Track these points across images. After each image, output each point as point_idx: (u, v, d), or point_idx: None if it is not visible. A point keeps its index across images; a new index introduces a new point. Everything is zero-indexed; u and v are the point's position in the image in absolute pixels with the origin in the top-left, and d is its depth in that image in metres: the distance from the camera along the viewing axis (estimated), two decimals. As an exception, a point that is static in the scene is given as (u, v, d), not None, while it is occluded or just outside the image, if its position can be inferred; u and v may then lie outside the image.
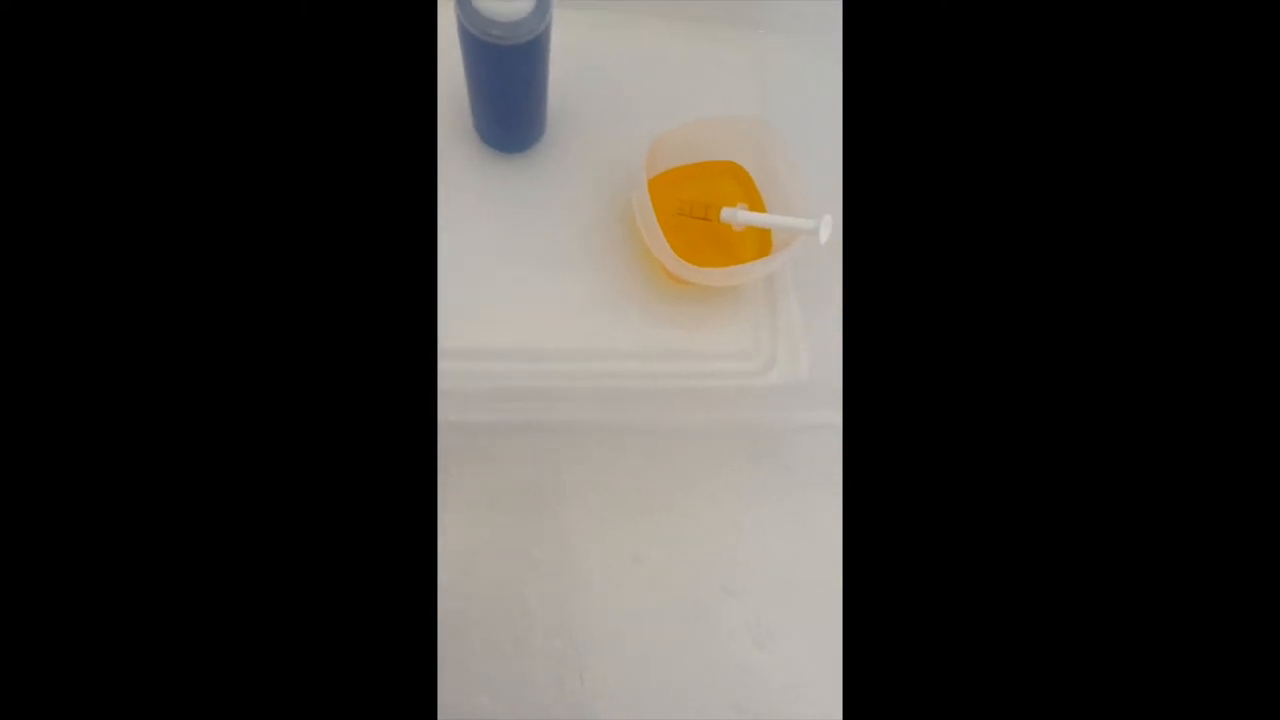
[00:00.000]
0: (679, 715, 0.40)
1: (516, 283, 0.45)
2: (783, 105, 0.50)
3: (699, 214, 0.45)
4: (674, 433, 0.45)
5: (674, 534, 0.43)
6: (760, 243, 0.47)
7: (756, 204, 0.47)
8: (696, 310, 0.46)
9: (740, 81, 0.52)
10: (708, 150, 0.47)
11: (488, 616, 0.39)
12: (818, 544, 0.43)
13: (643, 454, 0.43)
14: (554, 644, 0.39)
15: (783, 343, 0.47)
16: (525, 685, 0.39)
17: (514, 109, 0.42)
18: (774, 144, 0.45)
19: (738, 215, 0.43)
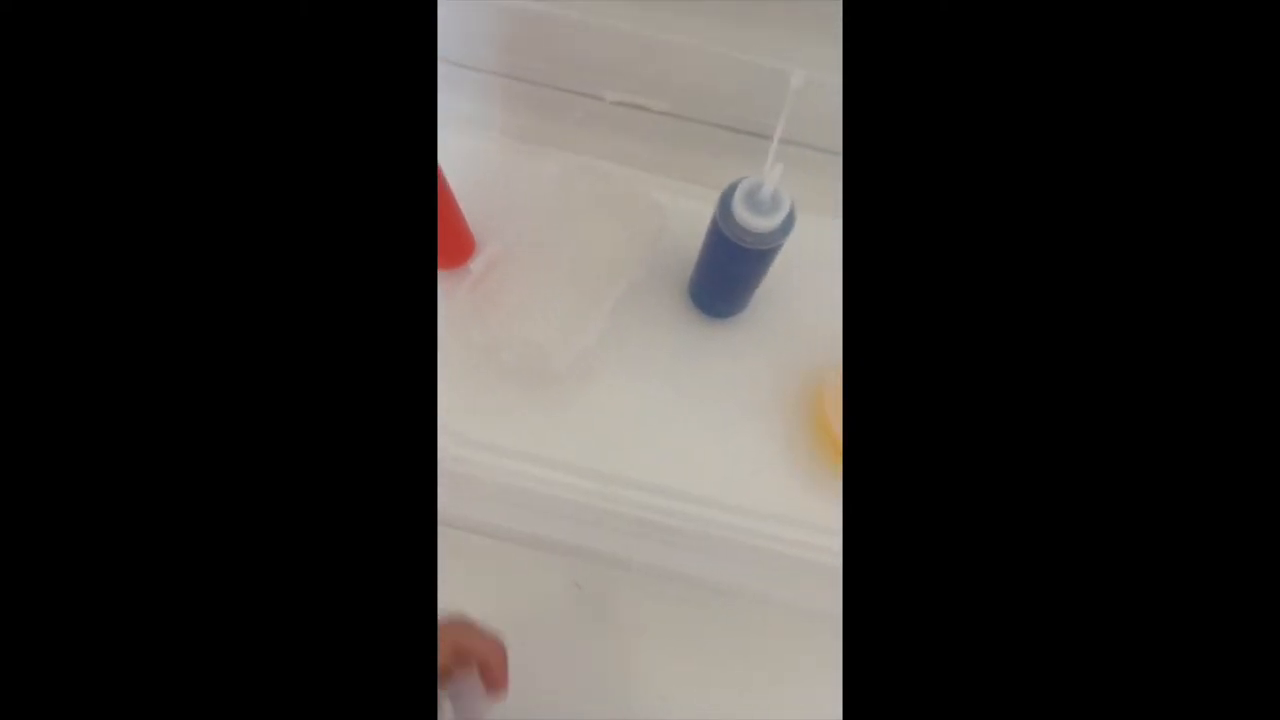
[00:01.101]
0: None
1: (695, 429, 0.51)
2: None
3: (877, 406, 0.50)
4: (806, 603, 0.47)
5: (742, 707, 0.44)
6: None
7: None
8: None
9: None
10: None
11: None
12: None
13: (774, 617, 0.46)
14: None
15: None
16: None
17: (738, 291, 0.50)
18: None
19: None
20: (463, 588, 0.38)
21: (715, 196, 0.43)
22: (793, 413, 0.52)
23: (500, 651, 0.33)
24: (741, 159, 0.54)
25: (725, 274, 0.48)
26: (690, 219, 0.49)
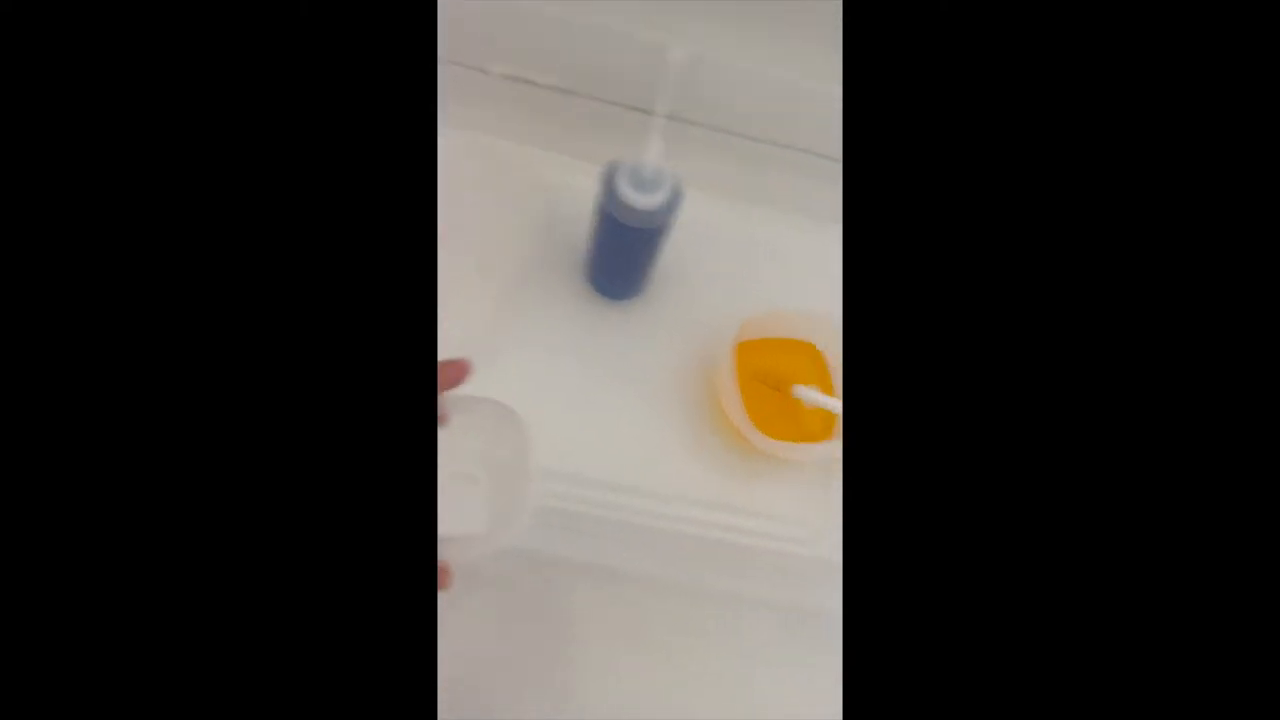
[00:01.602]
0: None
1: (598, 414, 0.50)
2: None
3: (773, 384, 0.50)
4: (708, 583, 0.47)
5: (685, 686, 0.44)
6: (826, 421, 0.51)
7: (827, 386, 0.51)
8: (759, 469, 0.50)
9: (828, 273, 0.57)
10: (792, 329, 0.52)
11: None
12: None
13: (672, 599, 0.46)
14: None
15: (833, 520, 0.50)
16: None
17: (629, 272, 0.48)
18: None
19: (810, 394, 0.47)
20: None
21: (604, 174, 0.42)
22: (693, 395, 0.51)
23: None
24: (632, 136, 0.52)
25: (615, 254, 0.46)
26: (582, 197, 0.48)
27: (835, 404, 0.47)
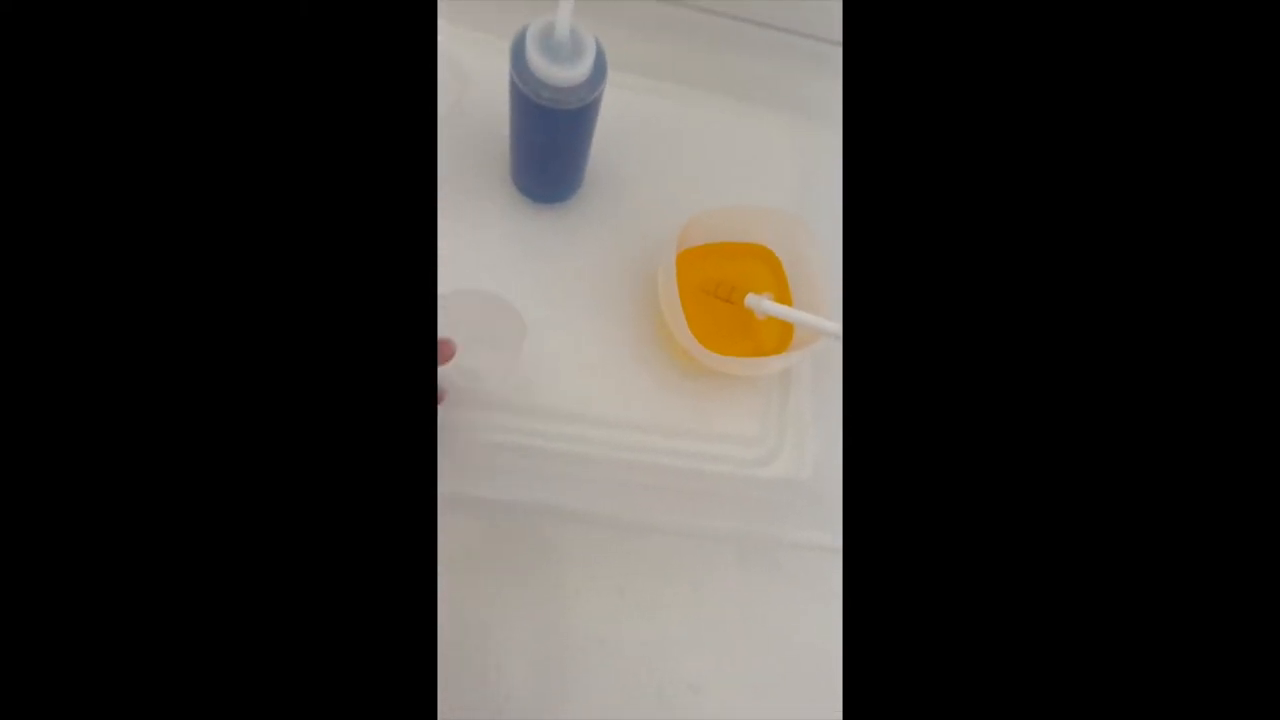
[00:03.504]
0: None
1: (532, 333, 0.44)
2: (823, 199, 0.50)
3: (723, 294, 0.45)
4: (661, 513, 0.43)
5: (645, 620, 0.41)
6: (783, 331, 0.46)
7: (784, 293, 0.46)
8: (708, 388, 0.45)
9: (783, 167, 0.52)
10: (743, 232, 0.46)
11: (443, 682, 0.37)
12: (793, 650, 0.41)
13: (624, 531, 0.42)
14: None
15: (790, 438, 0.46)
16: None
17: (555, 166, 0.42)
18: (808, 239, 0.44)
19: (762, 304, 0.42)
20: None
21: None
22: (636, 309, 0.46)
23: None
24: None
25: (537, 146, 0.40)
26: (498, 81, 0.41)
27: (793, 313, 0.42)
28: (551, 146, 0.39)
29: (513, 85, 0.35)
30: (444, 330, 0.37)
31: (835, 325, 0.38)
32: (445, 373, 0.38)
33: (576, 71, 0.33)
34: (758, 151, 0.51)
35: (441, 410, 0.41)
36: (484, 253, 0.45)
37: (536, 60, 0.33)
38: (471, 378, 0.40)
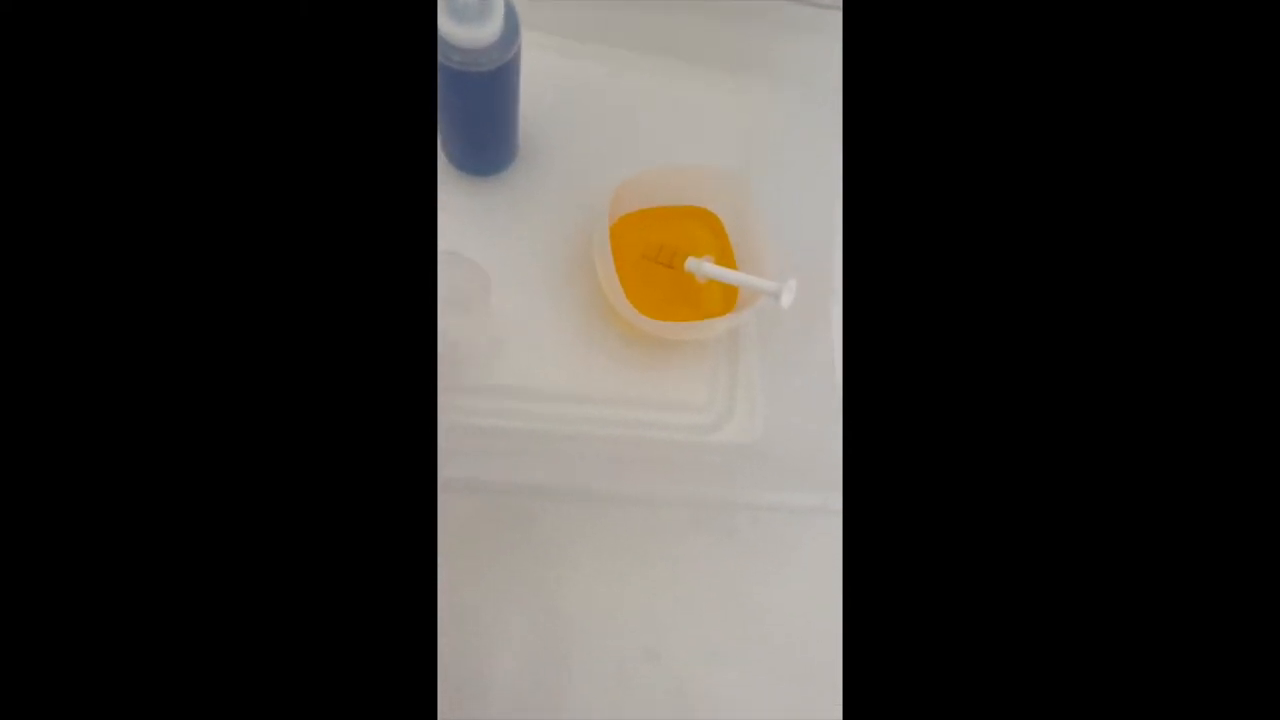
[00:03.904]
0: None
1: (469, 312, 0.43)
2: (764, 157, 0.49)
3: (664, 260, 0.44)
4: (612, 484, 0.43)
5: (600, 591, 0.41)
6: (727, 294, 0.45)
7: (726, 255, 0.45)
8: (654, 356, 0.45)
9: (723, 127, 0.50)
10: (681, 194, 0.45)
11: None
12: (749, 614, 0.42)
13: (575, 503, 0.42)
14: (462, 697, 0.37)
15: (740, 401, 0.45)
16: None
17: (480, 134, 0.41)
18: (750, 198, 0.44)
19: (702, 267, 0.41)
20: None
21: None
22: (578, 279, 0.45)
23: None
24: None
25: (458, 111, 0.38)
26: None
27: (733, 275, 0.41)
28: (472, 112, 0.38)
29: (423, 50, 0.34)
30: None
31: (774, 284, 0.38)
32: None
33: (485, 31, 0.32)
34: (695, 113, 0.50)
35: None
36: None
37: (443, 21, 0.32)
38: (450, 347, 0.39)
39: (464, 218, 0.44)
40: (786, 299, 0.37)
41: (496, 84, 0.35)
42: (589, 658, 0.39)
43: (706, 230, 0.46)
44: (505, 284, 0.43)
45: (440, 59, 0.33)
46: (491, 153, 0.43)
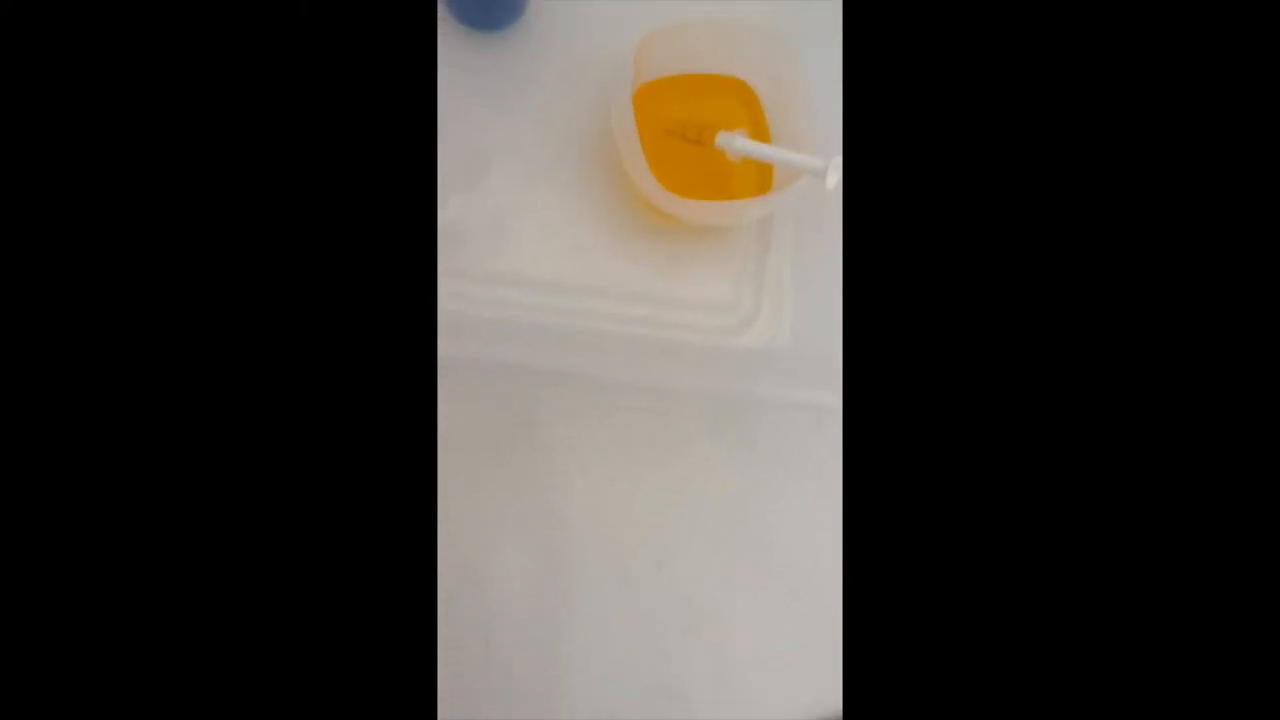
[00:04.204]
0: (598, 691, 0.36)
1: (472, 188, 0.39)
2: (804, 20, 0.43)
3: (691, 136, 0.38)
4: (626, 385, 0.39)
5: (607, 496, 0.38)
6: (760, 179, 0.40)
7: (761, 132, 0.40)
8: (676, 248, 0.40)
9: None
10: (711, 60, 0.40)
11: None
12: (766, 526, 0.39)
13: (586, 404, 0.38)
14: (460, 604, 0.35)
15: (768, 301, 0.41)
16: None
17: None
18: (789, 64, 0.38)
19: (734, 142, 0.36)
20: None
21: None
22: (592, 153, 0.40)
23: None
24: None
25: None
26: None
27: (771, 150, 0.36)
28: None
29: None
30: None
31: (819, 161, 0.33)
32: None
33: None
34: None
35: None
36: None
37: None
38: (445, 227, 0.37)
39: (465, 78, 0.39)
40: (833, 179, 0.33)
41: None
42: (592, 565, 0.37)
43: (740, 104, 0.40)
44: (509, 157, 0.39)
45: None
46: (497, 3, 0.38)
